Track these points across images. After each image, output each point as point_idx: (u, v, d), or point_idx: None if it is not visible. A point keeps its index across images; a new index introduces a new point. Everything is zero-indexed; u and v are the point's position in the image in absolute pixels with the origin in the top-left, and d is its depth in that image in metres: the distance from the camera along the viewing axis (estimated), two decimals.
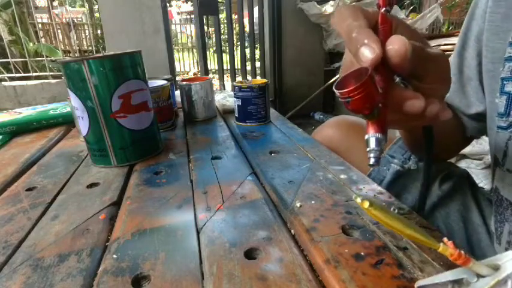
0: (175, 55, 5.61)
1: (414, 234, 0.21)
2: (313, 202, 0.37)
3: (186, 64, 6.24)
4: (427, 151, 0.36)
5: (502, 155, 0.41)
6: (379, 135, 0.25)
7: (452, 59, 0.50)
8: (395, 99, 0.25)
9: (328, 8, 2.41)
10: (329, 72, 2.71)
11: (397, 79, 0.27)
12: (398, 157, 0.56)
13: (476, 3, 0.45)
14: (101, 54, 0.53)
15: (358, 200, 0.21)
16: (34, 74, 2.44)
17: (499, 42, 0.40)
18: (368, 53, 0.23)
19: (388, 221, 0.21)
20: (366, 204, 0.21)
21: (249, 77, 2.63)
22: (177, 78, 2.69)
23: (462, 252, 0.20)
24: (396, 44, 0.23)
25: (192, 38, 6.83)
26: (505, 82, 0.39)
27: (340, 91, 0.23)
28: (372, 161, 0.25)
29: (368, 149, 0.25)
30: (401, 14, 2.49)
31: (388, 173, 0.57)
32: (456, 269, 0.22)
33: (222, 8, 3.21)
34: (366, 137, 0.25)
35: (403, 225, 0.21)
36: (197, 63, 5.75)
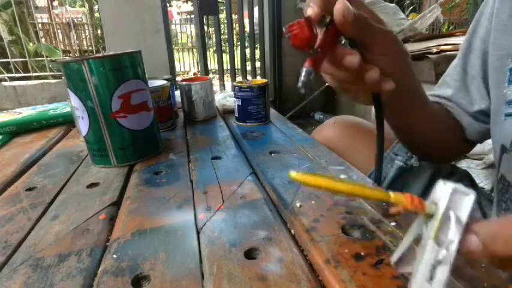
0: (175, 55, 5.61)
1: (358, 190, 0.19)
2: (313, 202, 0.37)
3: (186, 64, 6.23)
4: (378, 119, 0.39)
5: (511, 141, 0.41)
6: (310, 68, 0.30)
7: (457, 60, 0.52)
8: (338, 54, 0.32)
9: None
10: None
11: (344, 41, 0.33)
12: (401, 155, 0.58)
13: (482, 12, 0.47)
14: (101, 54, 0.53)
15: (292, 174, 0.21)
16: (34, 74, 2.43)
17: (506, 40, 0.42)
18: (309, 11, 0.30)
19: (321, 182, 0.20)
20: (293, 174, 0.21)
21: (249, 77, 2.63)
22: (177, 78, 2.69)
23: (415, 196, 0.19)
24: (339, 4, 0.29)
25: (192, 38, 6.82)
26: None
27: (284, 28, 0.30)
28: (299, 84, 0.30)
29: (299, 76, 0.31)
30: (401, 14, 2.48)
31: (391, 169, 0.58)
32: (410, 228, 0.21)
33: (222, 8, 3.20)
34: (302, 68, 0.31)
35: (342, 185, 0.20)
36: (197, 63, 5.75)
